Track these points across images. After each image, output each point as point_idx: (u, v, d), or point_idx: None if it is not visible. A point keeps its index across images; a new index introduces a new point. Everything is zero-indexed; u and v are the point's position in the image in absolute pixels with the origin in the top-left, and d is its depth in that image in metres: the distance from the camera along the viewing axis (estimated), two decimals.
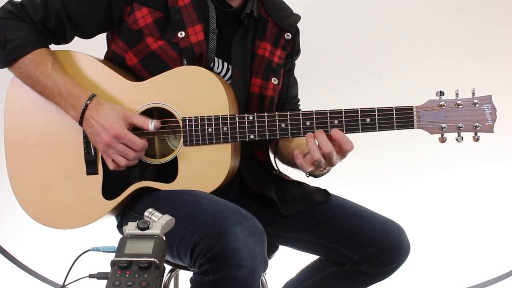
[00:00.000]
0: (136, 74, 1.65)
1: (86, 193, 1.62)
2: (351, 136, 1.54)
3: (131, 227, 1.13)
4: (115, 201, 1.61)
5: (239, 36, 1.71)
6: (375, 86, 3.00)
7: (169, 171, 1.59)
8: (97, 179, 1.61)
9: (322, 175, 1.69)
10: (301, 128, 1.57)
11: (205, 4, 1.66)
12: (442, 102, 1.54)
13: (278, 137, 1.59)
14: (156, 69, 1.60)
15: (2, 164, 1.65)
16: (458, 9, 3.03)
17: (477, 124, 1.53)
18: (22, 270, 3.06)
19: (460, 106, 1.54)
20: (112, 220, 1.75)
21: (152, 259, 1.06)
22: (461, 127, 1.54)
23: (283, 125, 1.57)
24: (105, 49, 1.76)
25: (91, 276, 1.16)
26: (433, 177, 3.07)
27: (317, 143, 1.53)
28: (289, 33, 1.76)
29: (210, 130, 1.57)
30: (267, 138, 1.59)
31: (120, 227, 1.75)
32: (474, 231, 3.04)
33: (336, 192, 1.81)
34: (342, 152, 1.53)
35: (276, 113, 1.58)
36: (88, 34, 1.67)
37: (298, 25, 1.81)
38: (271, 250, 1.76)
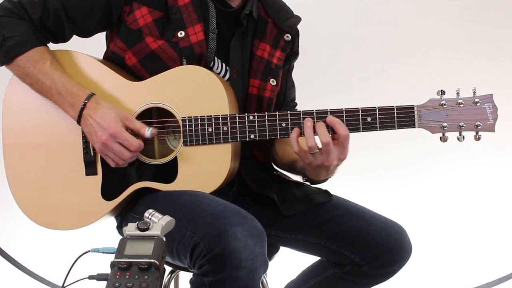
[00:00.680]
0: (135, 74, 1.64)
1: (85, 194, 1.61)
2: (352, 136, 1.54)
3: (131, 228, 1.12)
4: (115, 202, 1.60)
5: (238, 36, 1.70)
6: (376, 85, 3.00)
7: (169, 172, 1.58)
8: (96, 180, 1.61)
9: (320, 181, 1.68)
10: (302, 128, 1.56)
11: (205, 4, 1.66)
12: (443, 101, 1.53)
13: (278, 136, 1.58)
14: (156, 69, 1.60)
15: (0, 164, 1.64)
16: (460, 8, 3.03)
17: (478, 123, 1.53)
18: (21, 271, 3.06)
19: (461, 105, 1.53)
20: (112, 221, 1.75)
21: (152, 260, 1.06)
22: (462, 126, 1.53)
23: (283, 124, 1.57)
24: (104, 48, 1.75)
25: (90, 277, 1.15)
26: (434, 177, 3.07)
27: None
28: (288, 35, 1.75)
29: (210, 130, 1.57)
30: (267, 138, 1.58)
31: (120, 228, 1.74)
32: (476, 232, 3.04)
33: (337, 192, 1.80)
34: (340, 143, 1.51)
35: (277, 112, 1.57)
36: (86, 33, 1.66)
37: (299, 25, 1.80)
38: (272, 251, 1.76)
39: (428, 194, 3.07)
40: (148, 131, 1.54)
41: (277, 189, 1.75)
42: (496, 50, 3.00)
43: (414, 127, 1.55)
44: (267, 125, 1.57)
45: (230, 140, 1.57)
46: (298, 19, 1.79)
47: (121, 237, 1.12)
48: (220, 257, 1.34)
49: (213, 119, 1.57)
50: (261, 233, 1.40)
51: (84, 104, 1.53)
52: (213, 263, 1.35)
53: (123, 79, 1.60)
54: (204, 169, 1.58)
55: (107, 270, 1.08)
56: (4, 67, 1.60)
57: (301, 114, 1.57)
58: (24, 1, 1.57)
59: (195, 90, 1.58)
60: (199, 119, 1.57)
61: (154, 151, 1.64)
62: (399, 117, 1.54)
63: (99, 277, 1.13)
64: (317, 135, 1.53)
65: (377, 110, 1.54)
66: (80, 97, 1.54)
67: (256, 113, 1.57)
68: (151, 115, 1.63)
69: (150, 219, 1.15)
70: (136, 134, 1.55)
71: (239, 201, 1.57)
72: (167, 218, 1.16)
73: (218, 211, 1.42)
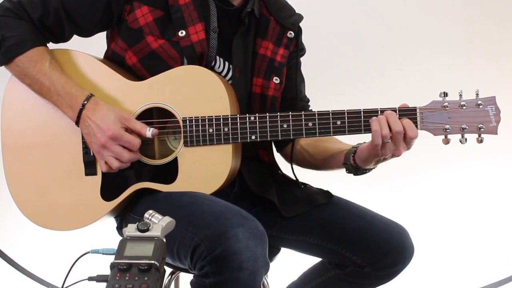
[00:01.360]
0: (135, 74, 1.64)
1: (85, 194, 1.60)
2: (354, 137, 1.54)
3: (131, 229, 1.12)
4: (114, 203, 1.59)
5: (240, 35, 1.70)
6: (378, 87, 3.00)
7: (169, 172, 1.58)
8: (96, 180, 1.60)
9: (365, 171, 1.66)
10: (303, 129, 1.56)
11: (206, 3, 1.65)
12: (446, 103, 1.53)
13: (280, 138, 1.57)
14: (156, 69, 1.59)
15: None
16: (463, 8, 3.02)
17: (481, 125, 1.52)
18: (20, 272, 3.05)
19: (464, 107, 1.53)
20: (112, 222, 1.74)
21: (152, 262, 1.05)
22: (465, 128, 1.53)
23: (285, 125, 1.56)
24: (105, 48, 1.74)
25: (90, 278, 1.15)
26: (436, 179, 3.07)
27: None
28: (291, 31, 1.75)
29: (211, 130, 1.56)
30: (268, 139, 1.58)
31: (119, 229, 1.73)
32: (479, 233, 3.03)
33: (338, 193, 1.79)
34: (407, 141, 1.51)
35: (278, 113, 1.57)
36: (87, 32, 1.65)
37: (301, 24, 1.80)
38: (273, 252, 1.75)
39: (430, 196, 3.06)
40: (149, 131, 1.53)
41: (278, 190, 1.74)
42: (499, 50, 3.00)
43: (417, 129, 1.53)
44: (268, 126, 1.57)
45: (231, 141, 1.57)
46: (300, 17, 1.79)
47: (121, 238, 1.12)
48: (221, 258, 1.33)
49: (214, 119, 1.56)
50: (262, 234, 1.39)
51: (83, 105, 1.52)
52: (214, 264, 1.34)
53: (123, 79, 1.60)
54: (204, 170, 1.58)
55: (106, 271, 1.07)
56: (3, 67, 1.59)
57: (303, 115, 1.56)
58: (23, 1, 1.56)
59: (196, 90, 1.57)
60: (199, 120, 1.56)
61: (154, 151, 1.63)
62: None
63: (99, 279, 1.12)
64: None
65: (379, 111, 1.54)
66: (78, 98, 1.53)
67: (257, 114, 1.57)
68: (151, 115, 1.62)
69: (150, 220, 1.15)
70: (136, 134, 1.54)
71: (240, 202, 1.57)
72: (167, 219, 1.16)
73: (219, 212, 1.41)
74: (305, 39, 1.83)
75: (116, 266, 1.05)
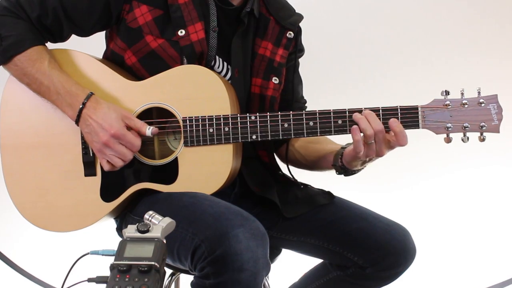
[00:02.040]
0: (135, 74, 1.63)
1: (84, 195, 1.59)
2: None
3: (130, 230, 1.11)
4: (114, 203, 1.59)
5: (239, 35, 1.69)
6: (379, 85, 3.00)
7: (169, 173, 1.57)
8: (95, 181, 1.59)
9: (354, 172, 1.66)
10: (304, 128, 1.56)
11: (205, 2, 1.64)
12: (448, 102, 1.53)
13: (280, 137, 1.57)
14: (156, 68, 1.58)
15: None
16: (465, 7, 3.02)
17: (483, 124, 1.53)
18: (20, 274, 3.05)
19: (466, 106, 1.53)
20: (112, 223, 1.74)
21: (152, 263, 1.05)
22: (467, 127, 1.53)
23: (285, 125, 1.56)
24: (104, 47, 1.74)
25: (90, 280, 1.14)
26: (438, 179, 3.07)
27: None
28: (291, 32, 1.74)
29: (211, 130, 1.55)
30: (269, 138, 1.57)
31: (119, 230, 1.73)
32: (481, 234, 3.03)
33: (340, 194, 1.79)
34: (392, 144, 1.52)
35: (279, 112, 1.56)
36: (85, 32, 1.64)
37: (302, 23, 1.79)
38: (274, 253, 1.75)
39: (432, 196, 3.07)
40: (149, 130, 1.53)
41: (279, 191, 1.74)
42: (501, 49, 3.01)
43: (418, 128, 1.54)
44: (269, 126, 1.56)
45: (231, 141, 1.56)
46: (300, 17, 1.78)
47: (121, 239, 1.11)
48: (222, 259, 1.32)
49: (214, 119, 1.55)
50: (263, 235, 1.38)
51: (83, 104, 1.52)
52: (215, 266, 1.34)
53: (123, 79, 1.59)
54: (205, 170, 1.57)
55: (106, 272, 1.07)
56: (1, 67, 1.58)
57: (304, 114, 1.56)
58: (22, 0, 1.56)
59: (196, 90, 1.56)
60: (200, 119, 1.55)
61: (154, 151, 1.63)
62: (403, 118, 1.53)
63: (99, 280, 1.12)
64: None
65: (380, 110, 1.54)
66: (79, 97, 1.52)
67: (258, 113, 1.56)
68: (151, 115, 1.61)
69: (150, 221, 1.15)
70: (137, 133, 1.54)
71: (240, 203, 1.56)
72: (168, 220, 1.15)
73: (219, 212, 1.40)
74: (306, 38, 1.83)
75: (116, 267, 1.05)
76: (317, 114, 1.55)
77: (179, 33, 1.59)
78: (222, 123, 1.55)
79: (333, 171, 1.69)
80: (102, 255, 1.21)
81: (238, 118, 1.55)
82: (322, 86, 2.87)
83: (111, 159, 1.52)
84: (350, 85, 3.02)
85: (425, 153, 2.88)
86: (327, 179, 1.78)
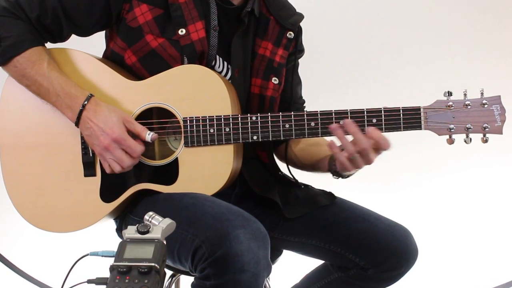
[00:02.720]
0: (135, 73, 1.62)
1: (84, 196, 1.59)
2: None
3: (130, 231, 1.11)
4: (114, 204, 1.58)
5: (240, 34, 1.68)
6: (381, 86, 3.00)
7: (170, 173, 1.56)
8: (95, 181, 1.58)
9: (350, 174, 1.66)
10: (306, 129, 1.55)
11: (206, 1, 1.64)
12: (450, 103, 1.53)
13: (282, 138, 1.57)
14: (156, 68, 1.58)
15: None
16: (467, 6, 3.02)
17: (486, 125, 1.52)
18: (19, 275, 3.04)
19: (469, 107, 1.53)
20: (111, 224, 1.73)
21: (153, 264, 1.04)
22: (470, 128, 1.53)
23: (287, 125, 1.55)
24: (103, 47, 1.73)
25: (89, 281, 1.13)
26: (440, 180, 3.07)
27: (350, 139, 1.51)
28: (291, 32, 1.73)
29: (212, 130, 1.55)
30: (270, 139, 1.57)
31: (119, 230, 1.72)
32: (484, 235, 3.03)
33: (341, 195, 1.78)
34: (378, 150, 1.52)
35: (280, 113, 1.56)
36: (85, 31, 1.63)
37: (303, 23, 1.79)
38: (275, 254, 1.74)
39: (434, 197, 3.07)
40: (148, 136, 1.52)
41: (280, 191, 1.73)
42: (504, 49, 3.01)
43: (420, 129, 1.54)
44: (270, 126, 1.56)
45: (232, 141, 1.56)
46: (301, 17, 1.77)
47: (121, 240, 1.11)
48: (222, 260, 1.32)
49: (215, 119, 1.55)
50: (264, 236, 1.38)
51: (83, 106, 1.51)
52: (215, 267, 1.33)
53: (123, 78, 1.58)
54: (205, 170, 1.56)
55: (106, 274, 1.06)
56: (0, 68, 1.58)
57: (305, 115, 1.55)
58: (21, 0, 1.54)
59: (196, 90, 1.55)
60: (200, 120, 1.55)
61: (155, 152, 1.62)
62: (405, 119, 1.53)
63: (98, 281, 1.11)
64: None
65: (382, 111, 1.53)
66: (78, 99, 1.51)
67: (259, 114, 1.56)
68: (151, 115, 1.61)
69: (150, 221, 1.14)
70: (136, 136, 1.53)
71: (241, 203, 1.56)
72: (168, 220, 1.15)
73: (220, 213, 1.40)
74: (307, 38, 1.82)
75: (115, 268, 1.04)
76: (319, 114, 1.54)
77: (179, 32, 1.58)
78: (223, 124, 1.54)
79: (329, 174, 1.69)
80: (102, 256, 1.20)
81: (239, 119, 1.55)
82: (323, 86, 2.87)
83: (111, 163, 1.52)
84: (352, 85, 3.01)
85: (427, 154, 2.88)
86: (328, 179, 1.77)
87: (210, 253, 1.33)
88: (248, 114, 1.55)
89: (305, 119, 1.55)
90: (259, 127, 1.55)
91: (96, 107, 1.51)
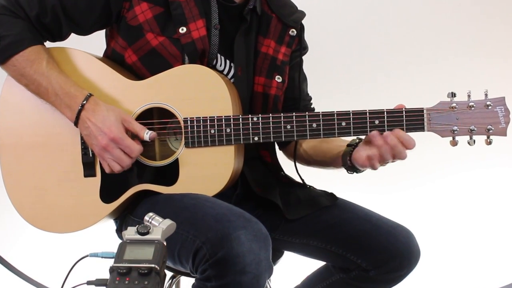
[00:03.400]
0: (135, 73, 1.62)
1: (84, 196, 1.58)
2: None
3: (130, 232, 1.11)
4: (114, 205, 1.57)
5: (242, 32, 1.68)
6: (384, 87, 3.00)
7: (170, 174, 1.56)
8: (95, 182, 1.58)
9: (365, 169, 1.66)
10: (307, 130, 1.55)
11: None
12: (454, 104, 1.52)
13: (283, 139, 1.56)
14: (157, 67, 1.57)
15: None
16: (471, 6, 3.02)
17: (490, 127, 1.52)
18: (18, 276, 3.03)
19: (472, 108, 1.52)
20: (111, 225, 1.73)
21: (153, 265, 1.05)
22: (473, 130, 1.52)
23: (288, 126, 1.54)
24: (104, 46, 1.72)
25: (89, 282, 1.14)
26: (443, 181, 3.07)
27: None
28: (294, 29, 1.73)
29: (212, 131, 1.54)
30: (271, 140, 1.56)
31: (119, 231, 1.71)
32: (487, 237, 3.03)
33: (343, 195, 1.77)
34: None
35: (282, 114, 1.55)
36: (85, 30, 1.63)
37: (304, 21, 1.78)
38: (276, 255, 1.74)
39: (436, 198, 3.07)
40: (147, 135, 1.51)
41: (281, 192, 1.73)
42: (509, 49, 3.00)
43: (424, 131, 1.53)
44: (271, 127, 1.55)
45: (233, 142, 1.55)
46: (302, 14, 1.77)
47: (121, 241, 1.11)
48: (224, 262, 1.31)
49: (215, 120, 1.54)
50: (265, 237, 1.37)
51: (82, 106, 1.50)
52: (216, 268, 1.32)
53: (123, 78, 1.57)
54: (206, 171, 1.56)
55: (106, 275, 1.07)
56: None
57: (307, 116, 1.54)
58: None
59: (197, 90, 1.55)
60: (201, 120, 1.54)
61: (155, 152, 1.61)
62: (408, 120, 1.52)
63: (98, 283, 1.11)
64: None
65: (385, 112, 1.53)
66: (77, 99, 1.51)
67: (260, 115, 1.55)
68: (151, 115, 1.60)
69: (151, 222, 1.14)
70: (135, 136, 1.53)
71: (242, 205, 1.55)
72: (168, 221, 1.15)
73: (221, 214, 1.39)
74: (308, 37, 1.82)
75: (115, 270, 1.04)
76: (321, 116, 1.54)
77: (180, 30, 1.57)
78: (223, 124, 1.54)
79: (341, 170, 1.68)
80: (102, 257, 1.20)
81: (240, 119, 1.54)
82: (325, 86, 2.86)
83: (110, 163, 1.52)
84: (354, 86, 3.01)
85: (429, 155, 2.87)
86: (329, 180, 1.77)
87: (211, 254, 1.33)
88: (249, 115, 1.55)
89: (307, 120, 1.54)
90: (260, 128, 1.55)
91: (95, 106, 1.50)
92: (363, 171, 1.63)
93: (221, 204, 1.45)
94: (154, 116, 1.60)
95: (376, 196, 2.59)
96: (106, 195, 1.57)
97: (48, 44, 1.61)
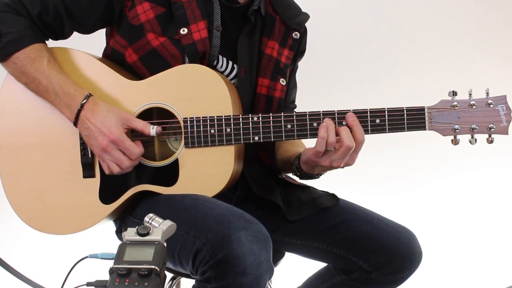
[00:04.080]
0: (135, 72, 1.61)
1: (83, 197, 1.57)
2: None
3: (130, 233, 1.11)
4: (113, 206, 1.57)
5: (246, 33, 1.67)
6: (385, 85, 3.00)
7: (170, 174, 1.55)
8: (94, 182, 1.57)
9: (311, 177, 1.66)
10: (308, 130, 1.54)
11: (209, 0, 1.62)
12: (455, 103, 1.52)
13: (284, 139, 1.55)
14: (157, 67, 1.56)
15: None
16: (473, 5, 3.02)
17: (491, 125, 1.51)
18: (17, 278, 3.01)
19: (474, 107, 1.52)
20: (111, 226, 1.72)
21: (153, 267, 1.05)
22: (475, 128, 1.52)
23: (289, 126, 1.54)
24: (104, 45, 1.72)
25: (89, 284, 1.14)
26: (445, 181, 3.07)
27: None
28: (297, 32, 1.72)
29: (212, 131, 1.53)
30: (272, 139, 1.55)
31: (119, 233, 1.71)
32: (489, 237, 3.02)
33: (344, 196, 1.77)
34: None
35: (282, 113, 1.54)
36: (87, 29, 1.62)
37: (307, 22, 1.77)
38: (277, 257, 1.74)
39: (438, 198, 3.07)
40: (153, 130, 1.51)
41: (282, 193, 1.72)
42: (510, 48, 3.00)
43: (425, 130, 1.53)
44: (272, 127, 1.54)
45: (233, 142, 1.54)
46: (306, 17, 1.76)
47: (120, 242, 1.10)
48: (224, 263, 1.31)
49: (215, 120, 1.53)
50: (266, 238, 1.37)
51: (82, 106, 1.50)
52: (217, 269, 1.32)
53: (123, 78, 1.57)
54: (206, 171, 1.55)
55: (105, 276, 1.07)
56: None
57: (307, 115, 1.54)
58: None
59: (197, 90, 1.54)
60: (201, 120, 1.54)
61: (155, 153, 1.61)
62: (409, 119, 1.52)
63: (98, 284, 1.11)
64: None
65: (386, 111, 1.52)
66: (77, 98, 1.50)
67: (260, 114, 1.54)
68: (151, 115, 1.60)
69: (151, 223, 1.14)
70: (139, 133, 1.52)
71: (242, 205, 1.54)
72: (168, 222, 1.15)
73: (221, 215, 1.39)
74: (311, 37, 1.81)
75: (115, 271, 1.04)
76: (321, 115, 1.53)
77: (181, 31, 1.57)
78: (223, 124, 1.53)
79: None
80: (101, 258, 1.20)
81: (240, 119, 1.54)
82: (326, 86, 2.87)
83: (109, 165, 1.51)
84: (356, 85, 3.01)
85: (431, 155, 2.88)
86: (331, 180, 1.76)
87: (211, 255, 1.32)
88: (250, 114, 1.54)
89: (307, 120, 1.53)
90: (261, 127, 1.54)
91: (94, 106, 1.50)
92: (306, 174, 1.63)
93: (221, 205, 1.45)
94: (154, 116, 1.60)
95: (377, 197, 2.58)
96: (106, 196, 1.57)
97: (50, 42, 1.60)
